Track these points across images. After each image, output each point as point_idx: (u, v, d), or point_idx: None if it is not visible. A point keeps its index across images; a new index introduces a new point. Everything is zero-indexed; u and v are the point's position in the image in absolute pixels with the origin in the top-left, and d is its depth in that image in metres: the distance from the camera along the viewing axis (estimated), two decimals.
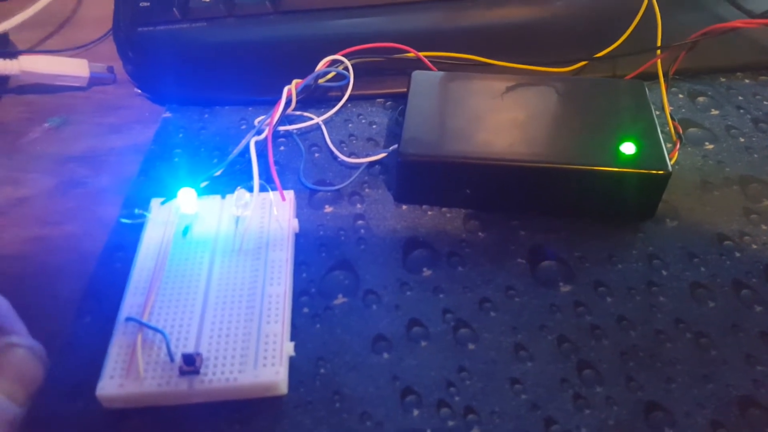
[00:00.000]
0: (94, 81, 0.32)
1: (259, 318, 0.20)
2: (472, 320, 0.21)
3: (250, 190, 0.24)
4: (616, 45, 0.29)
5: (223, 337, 0.19)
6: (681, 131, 0.26)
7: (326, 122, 0.29)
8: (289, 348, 0.19)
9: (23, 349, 0.19)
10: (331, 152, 0.27)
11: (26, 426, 0.19)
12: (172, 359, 0.18)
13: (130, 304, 0.20)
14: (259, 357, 0.19)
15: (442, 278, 0.22)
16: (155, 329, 0.19)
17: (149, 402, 0.18)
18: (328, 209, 0.25)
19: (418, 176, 0.24)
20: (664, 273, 0.22)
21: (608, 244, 0.23)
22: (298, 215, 0.24)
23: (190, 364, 0.18)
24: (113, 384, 0.18)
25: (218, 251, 0.22)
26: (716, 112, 0.29)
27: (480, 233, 0.24)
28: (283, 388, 0.19)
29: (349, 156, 0.27)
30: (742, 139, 0.27)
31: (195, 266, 0.21)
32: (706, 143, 0.27)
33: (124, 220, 0.24)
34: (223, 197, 0.24)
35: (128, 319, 0.20)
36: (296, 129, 0.28)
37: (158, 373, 0.18)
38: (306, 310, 0.21)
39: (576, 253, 0.23)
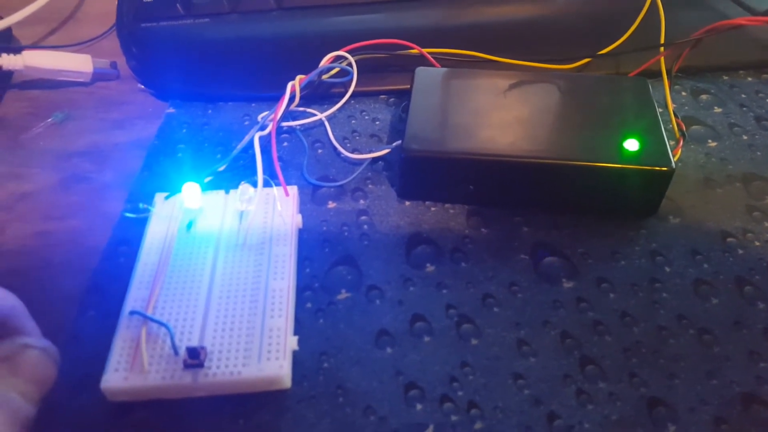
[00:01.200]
0: (98, 76, 0.32)
1: (263, 312, 0.20)
2: (475, 316, 0.21)
3: (254, 185, 0.24)
4: (619, 42, 0.29)
5: (227, 331, 0.19)
6: (684, 128, 0.26)
7: (329, 118, 0.29)
8: (292, 342, 0.19)
9: (37, 350, 0.19)
10: (335, 148, 0.27)
11: (32, 419, 0.19)
12: (176, 353, 0.19)
13: (134, 298, 0.20)
14: (263, 351, 0.19)
15: (446, 274, 0.22)
16: (159, 323, 0.19)
17: (153, 395, 0.18)
18: (331, 205, 0.25)
19: (421, 172, 0.24)
20: (667, 270, 0.22)
21: (611, 241, 0.23)
22: (301, 211, 0.24)
23: (195, 357, 0.18)
24: (118, 377, 0.18)
25: (222, 246, 0.22)
26: (719, 110, 0.29)
27: (483, 229, 0.24)
28: (287, 382, 0.19)
29: (352, 152, 0.27)
30: (745, 137, 0.27)
31: (199, 260, 0.21)
32: (709, 141, 0.27)
33: (128, 215, 0.24)
34: (227, 192, 0.24)
35: (132, 312, 0.20)
36: (299, 125, 0.28)
37: (162, 367, 0.18)
38: (309, 305, 0.21)
39: (579, 249, 0.23)
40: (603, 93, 0.26)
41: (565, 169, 0.23)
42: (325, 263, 0.23)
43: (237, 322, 0.20)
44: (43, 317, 0.21)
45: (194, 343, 0.19)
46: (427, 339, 0.20)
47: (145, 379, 0.18)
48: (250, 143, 0.25)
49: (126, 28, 0.31)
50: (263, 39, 0.30)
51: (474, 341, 0.20)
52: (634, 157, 0.23)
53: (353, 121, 0.29)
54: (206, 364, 0.18)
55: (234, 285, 0.21)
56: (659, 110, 0.25)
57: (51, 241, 0.25)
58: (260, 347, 0.19)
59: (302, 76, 0.28)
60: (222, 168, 0.26)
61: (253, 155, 0.25)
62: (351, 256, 0.23)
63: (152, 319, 0.19)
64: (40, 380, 0.18)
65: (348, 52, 0.28)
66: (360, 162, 0.27)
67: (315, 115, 0.28)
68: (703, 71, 0.31)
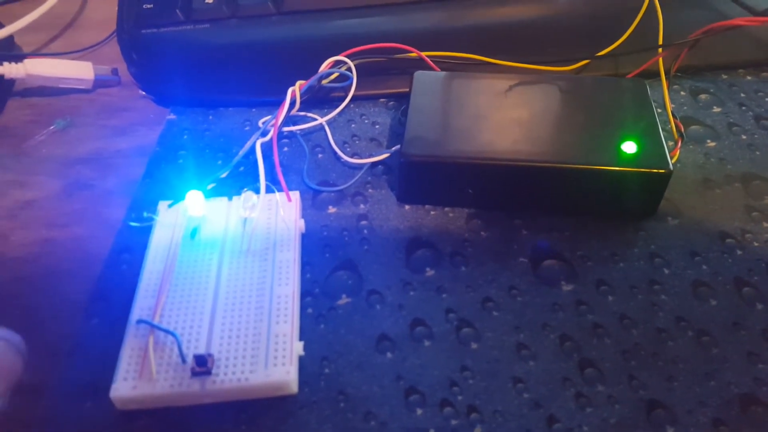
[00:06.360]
0: (99, 83, 0.32)
1: (268, 318, 0.20)
2: (475, 320, 0.21)
3: (255, 191, 0.24)
4: (617, 43, 0.29)
5: (233, 338, 0.20)
6: (683, 129, 0.26)
7: (329, 123, 0.29)
8: (298, 347, 0.20)
9: (1, 342, 0.19)
10: (335, 153, 0.27)
11: (35, 426, 0.19)
12: (183, 360, 0.19)
13: (140, 307, 0.20)
14: (270, 357, 0.19)
15: (445, 278, 0.23)
16: (166, 331, 0.19)
17: (162, 403, 0.19)
18: (331, 210, 0.25)
19: (420, 176, 0.25)
20: (666, 271, 0.22)
21: (610, 243, 0.23)
22: (302, 216, 0.25)
23: (202, 364, 0.18)
24: (127, 386, 0.18)
25: (226, 253, 0.22)
26: (718, 110, 0.29)
27: (482, 233, 0.24)
28: (294, 387, 0.19)
29: (352, 156, 0.27)
30: (744, 137, 0.28)
31: (204, 268, 0.22)
32: (708, 141, 0.27)
33: (132, 224, 0.24)
34: (230, 199, 0.24)
35: (140, 321, 0.20)
36: (300, 130, 0.29)
37: (171, 375, 0.19)
38: (310, 310, 0.22)
39: (578, 251, 0.23)
40: (601, 95, 0.26)
41: (563, 172, 0.23)
42: (325, 268, 0.23)
43: (243, 328, 0.20)
44: (47, 325, 0.22)
45: (201, 350, 0.19)
46: (427, 343, 0.21)
47: (154, 387, 0.18)
48: (251, 149, 0.26)
49: (126, 34, 0.31)
50: (263, 44, 0.30)
51: (474, 345, 0.21)
52: (632, 159, 0.23)
53: (353, 125, 0.29)
54: (214, 371, 0.19)
55: (239, 291, 0.21)
56: (658, 111, 0.25)
57: (54, 248, 0.25)
58: (267, 353, 0.19)
59: (302, 81, 0.28)
60: (224, 175, 0.26)
61: (255, 161, 0.25)
62: (351, 261, 0.23)
63: (159, 328, 0.19)
64: (4, 371, 0.18)
65: (347, 56, 0.28)
66: (360, 166, 0.27)
67: (315, 119, 0.29)
68: (701, 71, 0.31)
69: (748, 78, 0.30)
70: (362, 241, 0.24)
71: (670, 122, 0.26)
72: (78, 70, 0.32)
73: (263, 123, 0.27)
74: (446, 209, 0.25)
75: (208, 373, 0.18)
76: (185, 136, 0.29)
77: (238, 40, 0.30)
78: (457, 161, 0.24)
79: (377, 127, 0.29)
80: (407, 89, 0.27)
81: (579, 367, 0.20)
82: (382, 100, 0.30)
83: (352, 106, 0.30)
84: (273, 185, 0.24)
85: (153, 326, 0.19)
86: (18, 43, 0.35)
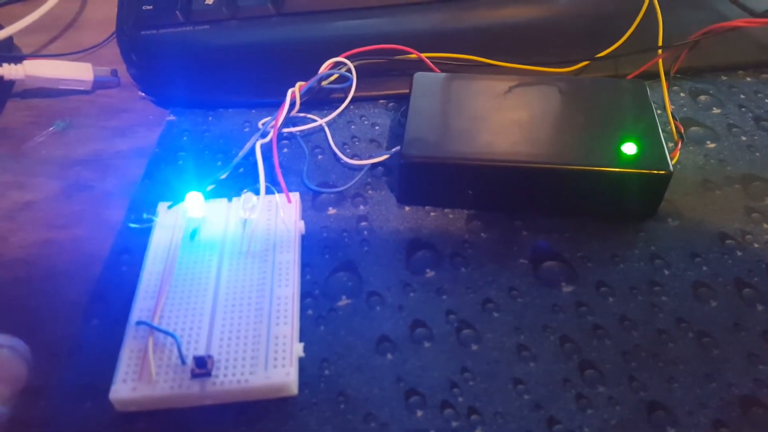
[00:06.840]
0: (99, 84, 0.32)
1: (268, 320, 0.20)
2: (475, 321, 0.21)
3: (255, 192, 0.24)
4: (617, 45, 0.29)
5: (233, 340, 0.19)
6: (682, 130, 0.26)
7: (329, 124, 0.29)
8: (298, 349, 0.20)
9: (5, 349, 0.19)
10: (334, 154, 0.27)
11: (34, 427, 0.19)
12: (183, 362, 0.19)
13: (140, 308, 0.20)
14: (270, 358, 0.19)
15: (445, 279, 0.23)
16: (166, 332, 0.19)
17: (162, 405, 0.19)
18: (331, 211, 0.25)
19: (420, 177, 0.25)
20: (666, 272, 0.22)
21: (610, 244, 0.23)
22: (302, 217, 0.25)
23: (202, 366, 0.18)
24: (126, 387, 0.18)
25: (226, 254, 0.22)
26: (718, 111, 0.29)
27: (482, 234, 0.24)
28: (294, 389, 0.19)
29: (351, 158, 0.27)
30: (743, 138, 0.28)
31: (203, 269, 0.22)
32: (708, 142, 0.27)
33: (132, 225, 0.24)
34: (230, 200, 0.24)
35: (139, 322, 0.20)
36: (299, 131, 0.29)
37: (170, 376, 0.19)
38: (310, 312, 0.22)
39: (578, 253, 0.23)
40: (601, 96, 0.26)
41: (563, 173, 0.23)
42: (325, 270, 0.23)
43: (243, 330, 0.20)
44: (46, 326, 0.22)
45: (201, 351, 0.19)
46: (427, 345, 0.21)
47: (153, 389, 0.18)
48: (251, 150, 0.26)
49: (126, 35, 0.31)
50: (263, 45, 0.30)
51: (474, 346, 0.21)
52: (632, 160, 0.23)
53: (353, 127, 0.29)
54: (213, 372, 0.19)
55: (239, 293, 0.21)
56: (657, 112, 0.25)
57: (54, 249, 0.25)
58: (267, 355, 0.19)
59: (302, 83, 0.28)
60: (224, 176, 0.26)
61: (254, 162, 0.25)
62: (351, 263, 0.23)
63: (159, 329, 0.19)
64: (9, 378, 0.19)
65: (347, 57, 0.28)
66: (360, 168, 0.27)
67: (315, 120, 0.29)
68: (701, 72, 0.31)
69: (748, 79, 0.30)
70: (362, 243, 0.24)
71: (670, 123, 0.26)
72: (77, 72, 0.32)
73: (263, 124, 0.27)
74: (446, 210, 0.25)
75: (208, 374, 0.18)
76: (185, 138, 0.29)
77: (238, 42, 0.30)
78: (457, 162, 0.24)
79: (377, 128, 0.29)
80: (407, 90, 0.27)
81: (579, 369, 0.20)
82: (381, 101, 0.30)
83: (351, 107, 0.30)
84: (273, 186, 0.24)
85: (152, 327, 0.19)
86: (17, 44, 0.35)
